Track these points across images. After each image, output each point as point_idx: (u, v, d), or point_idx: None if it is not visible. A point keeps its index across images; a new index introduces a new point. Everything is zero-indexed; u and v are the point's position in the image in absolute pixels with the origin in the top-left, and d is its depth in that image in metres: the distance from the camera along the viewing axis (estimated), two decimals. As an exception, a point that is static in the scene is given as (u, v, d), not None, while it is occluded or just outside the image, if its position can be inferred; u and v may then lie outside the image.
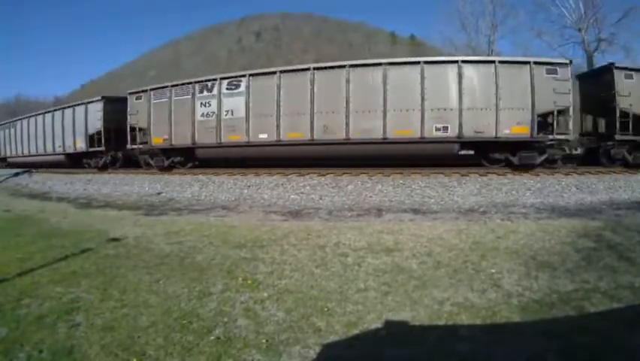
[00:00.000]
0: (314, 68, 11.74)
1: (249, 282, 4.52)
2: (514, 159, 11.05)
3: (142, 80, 50.85)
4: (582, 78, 13.66)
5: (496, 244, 5.62)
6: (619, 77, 11.24)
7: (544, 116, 10.87)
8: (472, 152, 12.02)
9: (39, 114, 19.25)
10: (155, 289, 4.40)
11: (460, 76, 10.65)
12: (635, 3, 27.13)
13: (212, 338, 3.38)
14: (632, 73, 11.41)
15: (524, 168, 10.98)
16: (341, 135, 11.37)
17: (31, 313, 3.86)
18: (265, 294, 4.20)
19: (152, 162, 14.52)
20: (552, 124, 10.66)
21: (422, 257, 5.15)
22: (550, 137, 10.74)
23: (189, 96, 13.20)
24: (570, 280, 4.29)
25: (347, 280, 4.51)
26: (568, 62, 11.02)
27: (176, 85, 13.67)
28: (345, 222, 7.50)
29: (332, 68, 11.70)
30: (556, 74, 10.53)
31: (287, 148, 12.14)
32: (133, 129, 14.46)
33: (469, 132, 10.70)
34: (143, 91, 14.46)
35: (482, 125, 10.66)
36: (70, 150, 17.11)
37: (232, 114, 12.52)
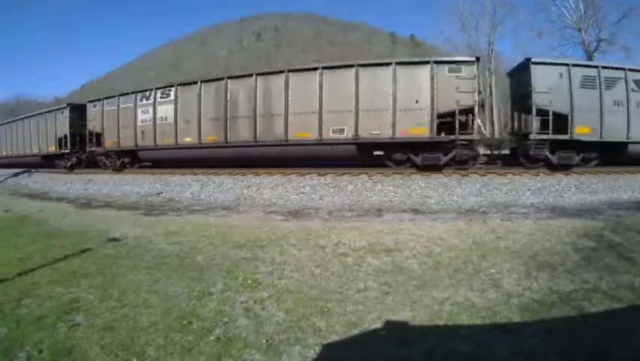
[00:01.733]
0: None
1: (249, 282, 4.52)
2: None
3: (142, 80, 50.84)
4: (511, 75, 13.32)
5: (496, 244, 5.61)
6: (536, 72, 10.74)
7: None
8: None
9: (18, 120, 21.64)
10: (155, 289, 4.40)
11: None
12: (635, 3, 27.24)
13: (212, 338, 3.38)
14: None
15: None
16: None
17: (31, 313, 3.86)
18: (265, 294, 4.20)
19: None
20: None
21: (422, 257, 5.15)
22: None
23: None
24: (570, 280, 4.29)
25: (347, 280, 4.51)
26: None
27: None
28: (345, 223, 7.49)
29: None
30: None
31: None
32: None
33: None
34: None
35: None
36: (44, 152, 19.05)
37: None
